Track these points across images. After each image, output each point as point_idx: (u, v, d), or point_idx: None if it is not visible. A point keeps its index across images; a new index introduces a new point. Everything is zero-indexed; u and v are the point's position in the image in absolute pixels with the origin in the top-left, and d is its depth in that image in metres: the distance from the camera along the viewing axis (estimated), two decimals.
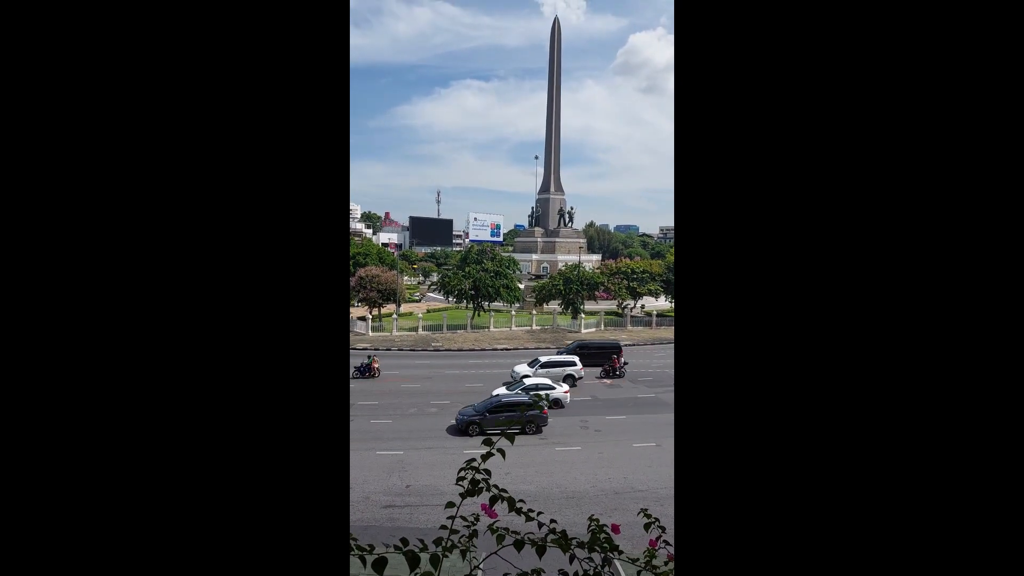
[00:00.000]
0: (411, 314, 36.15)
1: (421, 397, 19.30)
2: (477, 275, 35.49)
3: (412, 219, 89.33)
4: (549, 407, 16.59)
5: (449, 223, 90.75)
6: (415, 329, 32.50)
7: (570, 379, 21.20)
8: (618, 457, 14.19)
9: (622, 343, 26.66)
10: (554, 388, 18.60)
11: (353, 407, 17.94)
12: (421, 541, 1.33)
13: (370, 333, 31.47)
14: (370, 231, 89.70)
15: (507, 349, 28.83)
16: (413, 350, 28.02)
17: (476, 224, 69.89)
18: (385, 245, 69.29)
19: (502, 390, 18.49)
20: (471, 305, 35.53)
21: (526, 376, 20.49)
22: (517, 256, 47.10)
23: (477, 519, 1.41)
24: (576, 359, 22.42)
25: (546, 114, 53.61)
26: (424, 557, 1.27)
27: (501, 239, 67.81)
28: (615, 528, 1.60)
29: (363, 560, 1.31)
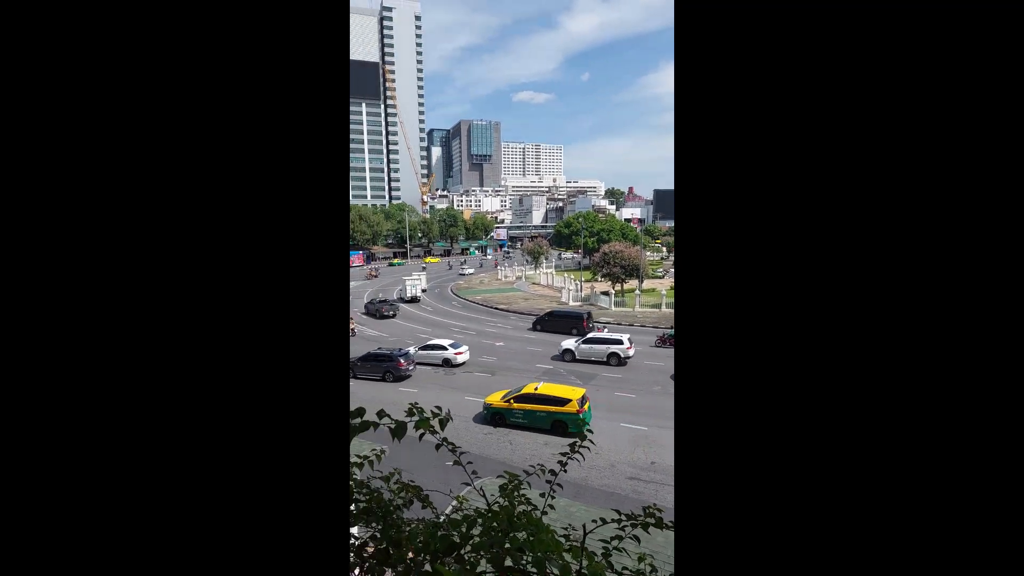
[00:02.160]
0: (654, 290, 35.30)
1: (663, 375, 18.76)
2: None
3: (656, 192, 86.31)
4: None
5: None
6: (658, 306, 31.65)
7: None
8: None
9: None
10: None
11: (596, 377, 18.67)
12: None
13: (612, 308, 32.06)
14: (613, 207, 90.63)
15: None
16: (656, 327, 27.38)
17: None
18: (628, 220, 69.14)
19: None
20: None
21: None
22: None
23: None
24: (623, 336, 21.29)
25: None
26: None
27: None
28: None
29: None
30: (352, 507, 1.54)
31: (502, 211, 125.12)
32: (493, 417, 13.59)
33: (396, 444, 1.50)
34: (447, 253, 79.27)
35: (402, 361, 18.38)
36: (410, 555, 1.41)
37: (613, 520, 1.55)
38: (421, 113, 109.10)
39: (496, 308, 33.57)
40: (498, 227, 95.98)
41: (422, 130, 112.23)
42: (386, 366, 18.28)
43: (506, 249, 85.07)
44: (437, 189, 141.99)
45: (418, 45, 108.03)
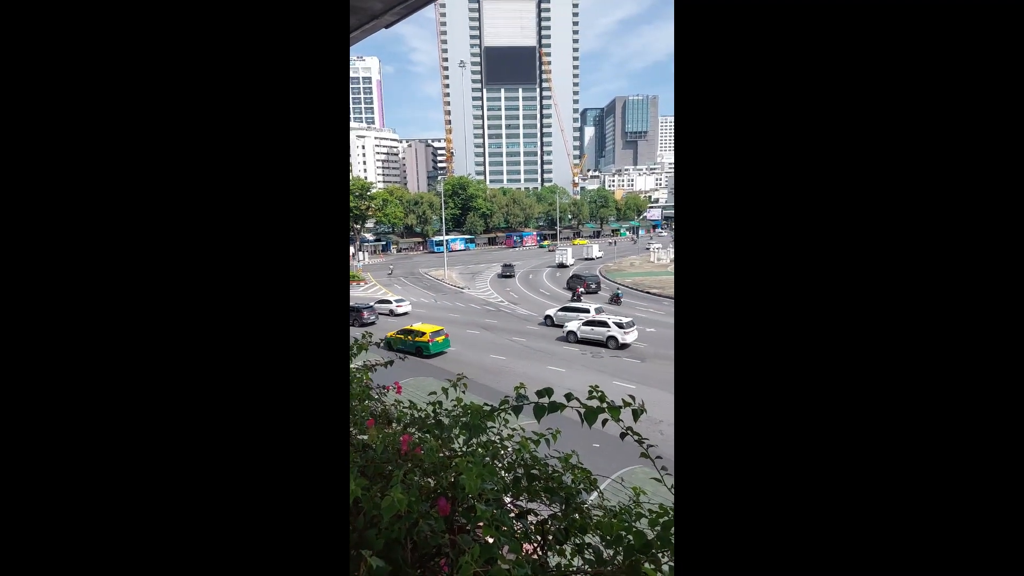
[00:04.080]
0: None
1: None
2: None
3: None
4: None
5: None
6: None
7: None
8: None
9: None
10: None
11: None
12: None
13: None
14: None
15: None
16: None
17: None
18: None
19: None
20: None
21: None
22: None
23: None
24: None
25: None
26: None
27: None
28: None
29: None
30: (535, 483, 1.56)
31: (657, 189, 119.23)
32: (388, 343, 18.28)
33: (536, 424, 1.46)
34: (597, 235, 78.47)
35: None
36: (591, 541, 1.39)
37: None
38: (575, 93, 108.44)
39: (648, 292, 32.23)
40: (651, 207, 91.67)
41: (576, 110, 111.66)
42: None
43: (660, 229, 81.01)
44: (588, 170, 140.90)
45: (575, 25, 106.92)
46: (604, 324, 20.23)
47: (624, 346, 19.80)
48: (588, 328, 20.43)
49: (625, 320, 20.54)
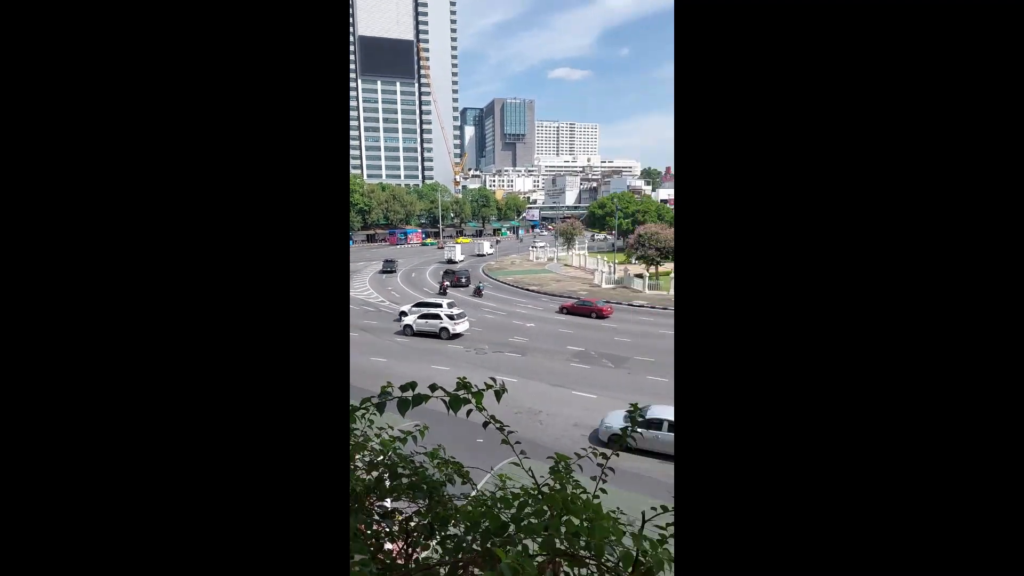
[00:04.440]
0: None
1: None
2: None
3: None
4: None
5: None
6: None
7: None
8: None
9: None
10: None
11: (629, 360, 18.39)
12: None
13: (646, 291, 31.46)
14: (649, 188, 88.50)
15: None
16: None
17: None
18: (664, 201, 67.37)
19: None
20: None
21: None
22: None
23: None
24: None
25: None
26: None
27: None
28: None
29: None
30: (398, 481, 1.54)
31: (535, 191, 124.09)
32: None
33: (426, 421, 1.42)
34: (479, 234, 79.48)
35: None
36: (457, 532, 1.39)
37: (670, 510, 1.45)
38: (455, 92, 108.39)
39: (527, 289, 33.51)
40: (530, 207, 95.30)
41: (455, 109, 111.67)
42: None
43: (539, 230, 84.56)
44: (470, 169, 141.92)
45: (452, 23, 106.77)
46: (437, 316, 20.95)
47: (456, 335, 20.73)
48: (423, 321, 20.98)
49: (456, 312, 21.60)
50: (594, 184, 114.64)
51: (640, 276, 32.82)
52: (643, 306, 27.81)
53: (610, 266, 36.26)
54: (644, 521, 1.36)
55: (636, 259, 33.88)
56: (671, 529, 1.37)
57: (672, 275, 32.38)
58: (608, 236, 57.80)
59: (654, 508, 1.47)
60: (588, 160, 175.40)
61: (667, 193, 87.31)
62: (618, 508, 1.55)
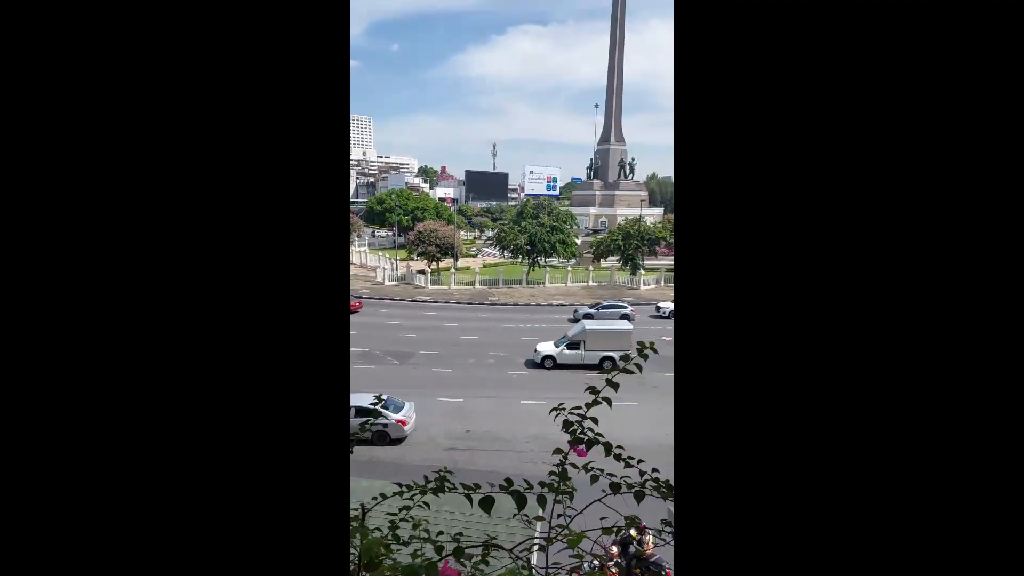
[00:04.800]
0: (468, 268, 36.68)
1: (480, 348, 19.83)
2: (532, 230, 35.19)
3: (468, 173, 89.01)
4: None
5: (504, 177, 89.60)
6: (472, 283, 33.05)
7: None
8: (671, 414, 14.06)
9: None
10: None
11: (414, 355, 18.75)
12: (527, 482, 1.33)
13: (429, 287, 32.38)
14: (427, 186, 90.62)
15: (562, 305, 28.80)
16: (471, 303, 28.61)
17: (532, 177, 68.52)
18: (442, 199, 69.96)
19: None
20: (526, 260, 35.49)
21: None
22: (574, 210, 46.15)
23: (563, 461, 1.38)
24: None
25: (608, 59, 50.68)
26: (531, 497, 1.27)
27: (557, 193, 66.61)
28: None
29: (470, 499, 1.33)
30: None
31: None
32: None
33: None
34: None
35: None
36: None
37: (396, 493, 1.48)
38: None
39: None
40: None
41: None
42: None
43: None
44: None
45: None
46: None
47: None
48: None
49: None
50: (371, 179, 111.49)
51: (422, 272, 33.54)
52: (426, 301, 28.57)
53: (392, 263, 36.05)
54: (364, 512, 1.33)
55: (417, 256, 34.46)
56: (403, 512, 1.37)
57: (452, 270, 34.03)
58: (388, 233, 57.19)
59: (375, 497, 1.44)
60: (364, 154, 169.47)
61: (444, 191, 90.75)
62: (361, 505, 1.43)
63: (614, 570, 2.13)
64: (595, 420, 1.35)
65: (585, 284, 34.01)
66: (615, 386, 1.36)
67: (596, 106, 56.40)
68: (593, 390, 1.35)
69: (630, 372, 1.38)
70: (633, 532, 1.46)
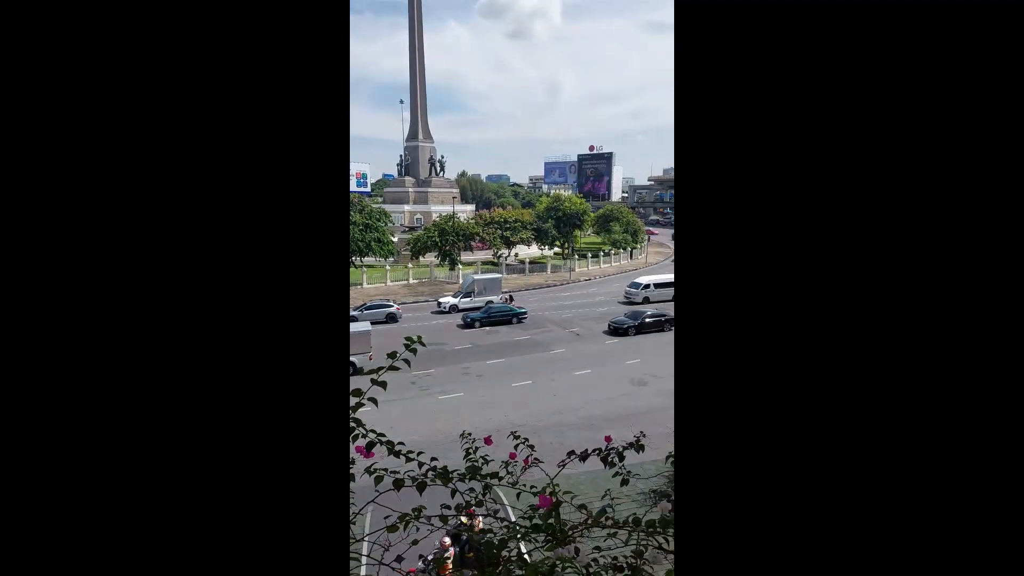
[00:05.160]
0: None
1: None
2: None
3: None
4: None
5: None
6: None
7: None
8: (497, 398, 14.95)
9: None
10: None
11: None
12: None
13: None
14: None
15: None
16: None
17: None
18: None
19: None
20: None
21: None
22: (388, 207, 45.09)
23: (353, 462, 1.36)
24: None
25: (409, 55, 50.44)
26: None
27: (369, 189, 64.22)
28: (487, 440, 1.68)
29: None
30: None
31: None
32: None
33: None
34: None
35: None
36: None
37: None
38: None
39: None
40: None
41: None
42: None
43: None
44: None
45: None
46: None
47: None
48: None
49: None
50: None
51: None
52: None
53: None
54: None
55: None
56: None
57: None
58: None
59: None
60: None
61: None
62: None
63: (450, 564, 2.20)
64: (359, 421, 1.33)
65: (406, 282, 33.62)
66: (383, 385, 1.36)
67: (401, 102, 55.97)
68: (357, 392, 1.33)
69: (396, 368, 1.40)
70: (464, 519, 1.51)
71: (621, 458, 1.60)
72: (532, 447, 1.65)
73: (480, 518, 1.56)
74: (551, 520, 1.32)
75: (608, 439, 1.66)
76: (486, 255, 37.98)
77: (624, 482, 1.60)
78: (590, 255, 40.15)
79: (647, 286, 28.12)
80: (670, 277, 28.08)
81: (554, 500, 1.34)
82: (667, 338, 21.52)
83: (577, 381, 16.59)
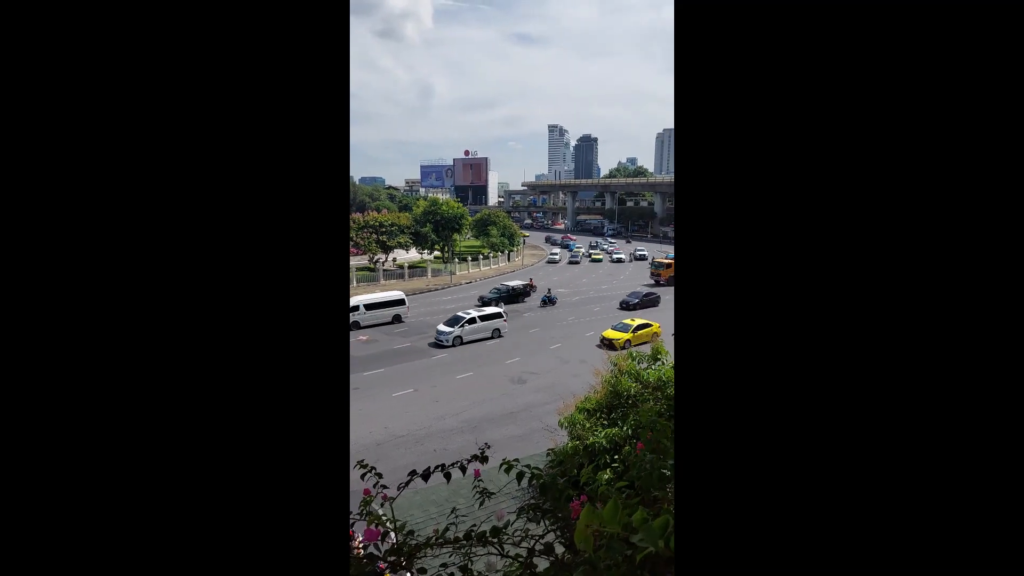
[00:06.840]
0: None
1: None
2: None
3: None
4: None
5: None
6: None
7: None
8: (378, 410, 14.41)
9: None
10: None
11: None
12: None
13: None
14: None
15: None
16: None
17: None
18: None
19: None
20: None
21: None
22: None
23: None
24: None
25: None
26: None
27: None
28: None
29: None
30: None
31: None
32: None
33: None
34: None
35: None
36: None
37: None
38: None
39: None
40: None
41: None
42: None
43: None
44: None
45: None
46: None
47: None
48: None
49: None
50: None
51: None
52: None
53: None
54: None
55: None
56: None
57: None
58: None
59: None
60: None
61: None
62: None
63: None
64: None
65: None
66: None
67: None
68: None
69: None
70: None
71: (463, 471, 1.67)
72: (380, 475, 1.64)
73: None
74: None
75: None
76: (361, 261, 36.32)
77: (481, 494, 1.69)
78: (470, 258, 40.57)
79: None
80: (384, 296, 25.14)
81: (382, 531, 1.39)
82: (540, 334, 22.58)
83: (459, 384, 16.66)
